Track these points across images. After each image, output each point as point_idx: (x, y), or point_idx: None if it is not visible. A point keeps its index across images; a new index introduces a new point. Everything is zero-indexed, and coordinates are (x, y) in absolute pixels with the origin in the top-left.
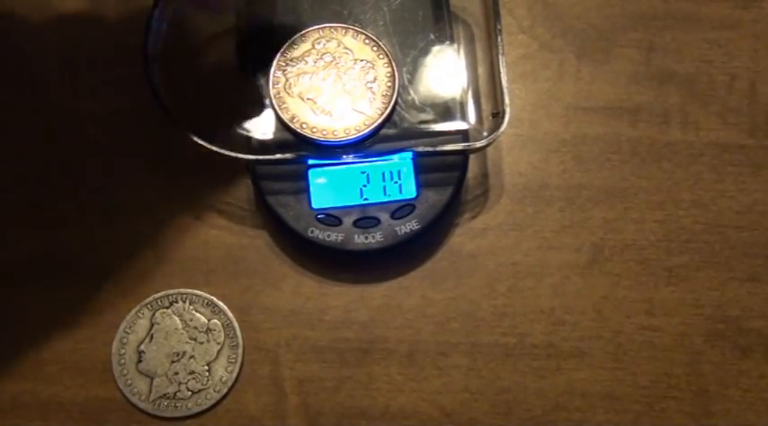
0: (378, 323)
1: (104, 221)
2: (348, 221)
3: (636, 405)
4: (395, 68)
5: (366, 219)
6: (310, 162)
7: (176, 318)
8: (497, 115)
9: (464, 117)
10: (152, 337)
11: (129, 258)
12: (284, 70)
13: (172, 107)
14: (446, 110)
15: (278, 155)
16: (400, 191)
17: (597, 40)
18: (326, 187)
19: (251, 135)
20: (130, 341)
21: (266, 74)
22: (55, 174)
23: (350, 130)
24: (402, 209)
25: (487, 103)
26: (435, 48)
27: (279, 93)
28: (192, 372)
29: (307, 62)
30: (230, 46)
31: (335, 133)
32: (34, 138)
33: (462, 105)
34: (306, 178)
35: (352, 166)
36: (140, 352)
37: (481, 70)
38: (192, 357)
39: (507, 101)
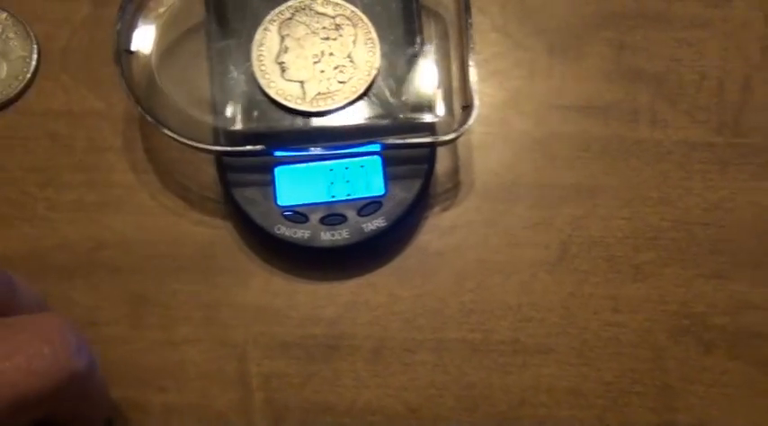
0: (345, 319)
1: (74, 218)
2: (315, 218)
3: (600, 400)
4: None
5: (332, 216)
6: (277, 154)
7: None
8: (467, 108)
9: (433, 111)
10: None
11: (99, 254)
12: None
13: (143, 99)
14: (415, 104)
15: (246, 147)
16: (367, 189)
17: (569, 39)
18: (293, 184)
19: (220, 126)
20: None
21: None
22: (25, 171)
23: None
24: (369, 206)
25: (459, 98)
26: (405, 43)
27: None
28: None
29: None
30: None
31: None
32: (4, 136)
33: (432, 99)
34: (272, 175)
35: (319, 163)
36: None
37: (453, 65)
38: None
39: (475, 94)
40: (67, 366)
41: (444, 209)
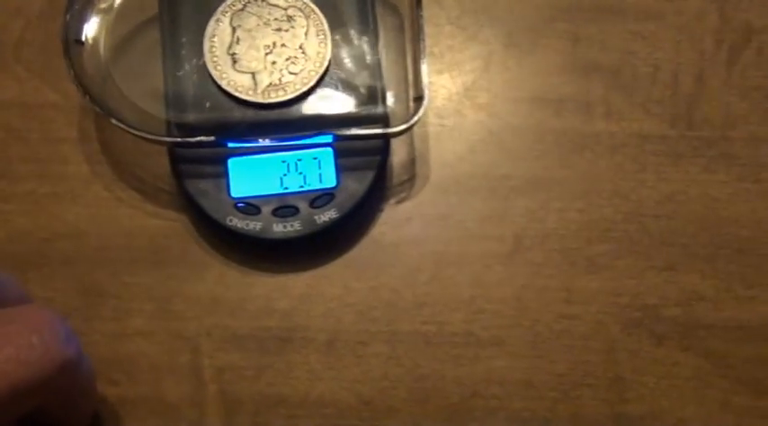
0: (299, 311)
1: (28, 210)
2: (267, 210)
3: (552, 393)
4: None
5: (285, 208)
6: (230, 145)
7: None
8: (419, 100)
9: (384, 102)
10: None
11: (52, 245)
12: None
13: (95, 91)
14: (367, 96)
15: (198, 138)
16: (320, 180)
17: (524, 32)
18: (246, 176)
19: (173, 117)
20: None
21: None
22: None
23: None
24: (321, 198)
25: (413, 91)
26: (358, 35)
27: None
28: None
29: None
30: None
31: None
32: None
33: (383, 91)
34: (225, 166)
35: (271, 155)
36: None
37: (407, 58)
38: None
39: (426, 85)
40: (57, 355)
41: (399, 201)
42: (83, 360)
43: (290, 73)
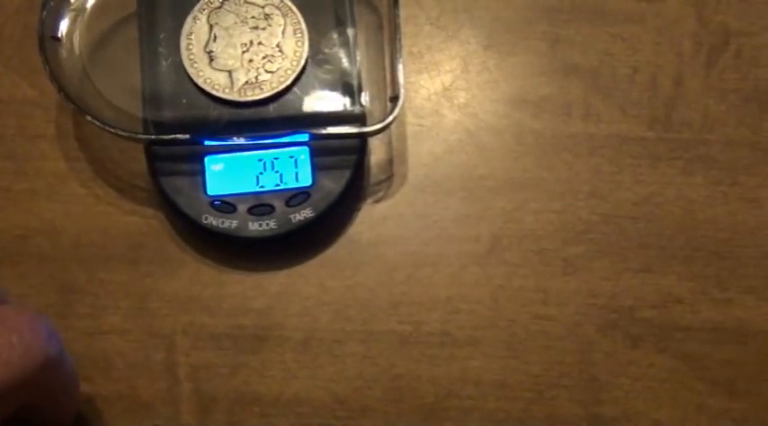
0: (275, 310)
1: (3, 206)
2: (243, 208)
3: (527, 393)
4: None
5: (260, 207)
6: (207, 144)
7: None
8: (395, 100)
9: (361, 101)
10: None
11: (27, 242)
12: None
13: (71, 87)
14: (344, 96)
15: (173, 136)
16: (296, 179)
17: (503, 32)
18: (222, 174)
19: (149, 114)
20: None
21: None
22: None
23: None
24: (297, 197)
25: (390, 90)
26: (336, 34)
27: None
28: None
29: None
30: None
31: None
32: None
33: (361, 90)
34: (202, 164)
35: (248, 154)
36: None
37: (386, 57)
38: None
39: (402, 85)
40: (39, 354)
41: (376, 201)
42: (65, 359)
43: (267, 71)
